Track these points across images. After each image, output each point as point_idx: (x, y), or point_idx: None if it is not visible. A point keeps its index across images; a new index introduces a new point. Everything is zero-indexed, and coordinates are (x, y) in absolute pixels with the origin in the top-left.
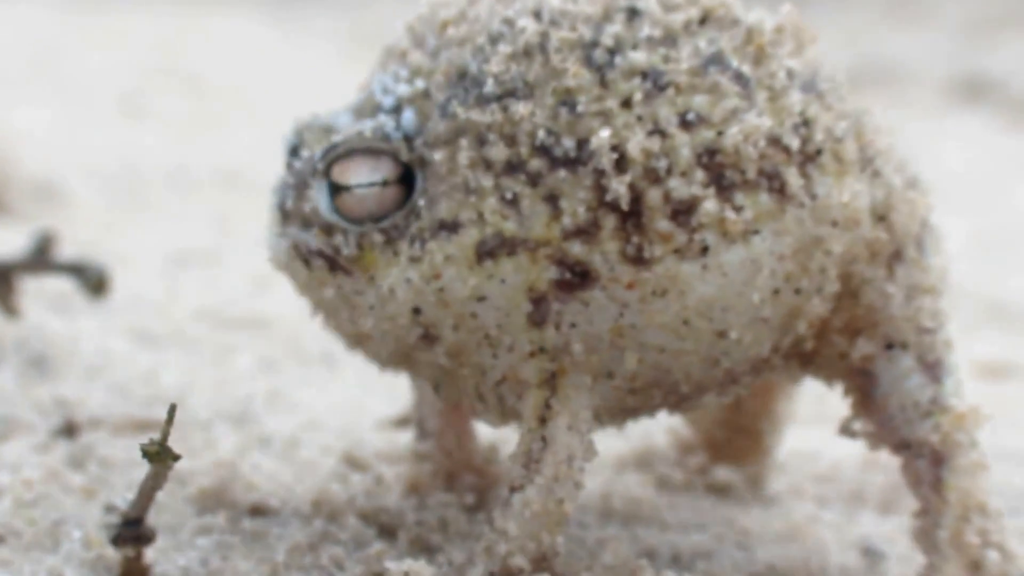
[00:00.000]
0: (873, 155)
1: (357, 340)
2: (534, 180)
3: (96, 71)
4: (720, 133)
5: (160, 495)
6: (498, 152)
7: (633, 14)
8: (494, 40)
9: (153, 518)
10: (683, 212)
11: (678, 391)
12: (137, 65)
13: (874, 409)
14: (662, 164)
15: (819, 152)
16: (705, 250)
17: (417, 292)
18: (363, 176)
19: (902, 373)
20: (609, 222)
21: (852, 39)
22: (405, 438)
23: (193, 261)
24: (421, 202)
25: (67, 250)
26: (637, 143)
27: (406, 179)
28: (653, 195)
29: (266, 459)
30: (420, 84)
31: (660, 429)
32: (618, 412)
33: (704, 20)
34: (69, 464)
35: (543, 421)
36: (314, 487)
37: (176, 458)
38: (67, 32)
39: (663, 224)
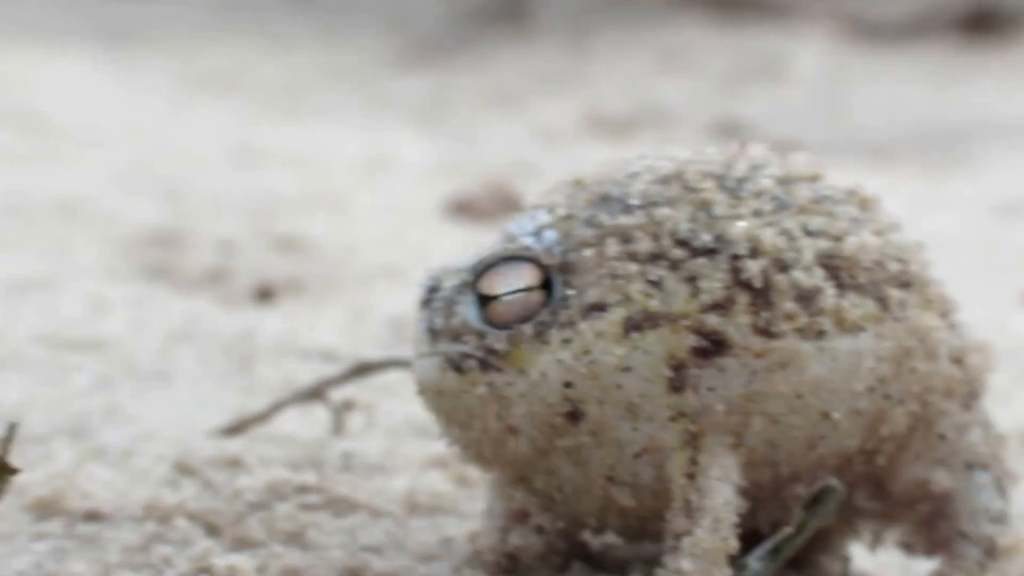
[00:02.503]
0: (948, 311)
1: (500, 438)
2: (675, 265)
3: None
4: (839, 240)
5: None
6: (643, 245)
7: (755, 167)
8: (633, 176)
9: None
10: (806, 298)
11: (779, 475)
12: None
13: (942, 522)
14: (789, 256)
15: (909, 284)
16: (822, 333)
17: (568, 369)
18: (510, 283)
19: (978, 487)
20: (743, 299)
21: (630, 86)
22: (233, 445)
23: (31, 288)
24: (570, 293)
25: None
26: (770, 236)
27: (547, 286)
28: (781, 280)
29: (101, 469)
30: (561, 212)
31: None
32: None
33: (813, 179)
34: None
35: (692, 477)
36: (147, 493)
37: (14, 472)
38: None
39: (789, 304)
